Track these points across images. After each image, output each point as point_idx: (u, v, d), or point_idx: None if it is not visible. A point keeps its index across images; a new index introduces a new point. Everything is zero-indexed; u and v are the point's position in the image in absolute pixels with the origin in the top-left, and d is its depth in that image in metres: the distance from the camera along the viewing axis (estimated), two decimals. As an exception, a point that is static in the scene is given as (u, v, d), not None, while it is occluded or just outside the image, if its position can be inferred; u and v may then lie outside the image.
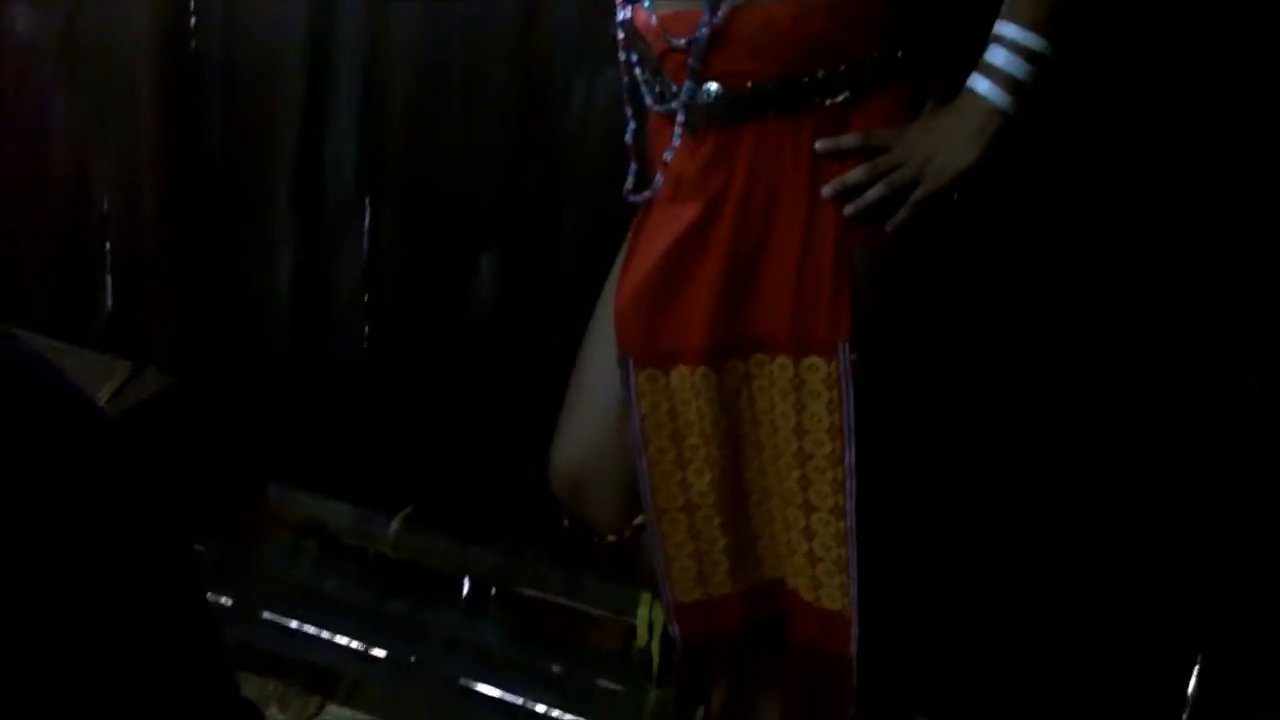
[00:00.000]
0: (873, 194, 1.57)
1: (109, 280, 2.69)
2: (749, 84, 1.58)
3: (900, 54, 1.59)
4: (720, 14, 1.56)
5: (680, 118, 1.63)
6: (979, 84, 1.53)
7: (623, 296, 1.69)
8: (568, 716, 2.30)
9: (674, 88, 1.63)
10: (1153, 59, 1.88)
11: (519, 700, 2.32)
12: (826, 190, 1.58)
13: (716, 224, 1.63)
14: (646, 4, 1.63)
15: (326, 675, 2.34)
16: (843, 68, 1.57)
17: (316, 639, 2.46)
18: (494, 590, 2.49)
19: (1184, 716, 2.08)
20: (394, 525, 2.49)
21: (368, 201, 2.45)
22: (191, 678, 1.08)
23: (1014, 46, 1.51)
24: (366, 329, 2.51)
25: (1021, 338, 2.02)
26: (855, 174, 1.57)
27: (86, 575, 0.95)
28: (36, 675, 0.91)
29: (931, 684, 2.18)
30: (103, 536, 0.97)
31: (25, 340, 1.01)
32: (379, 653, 2.43)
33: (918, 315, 1.72)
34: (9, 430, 0.91)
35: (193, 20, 2.52)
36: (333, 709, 2.27)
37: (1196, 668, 2.07)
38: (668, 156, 1.65)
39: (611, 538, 1.84)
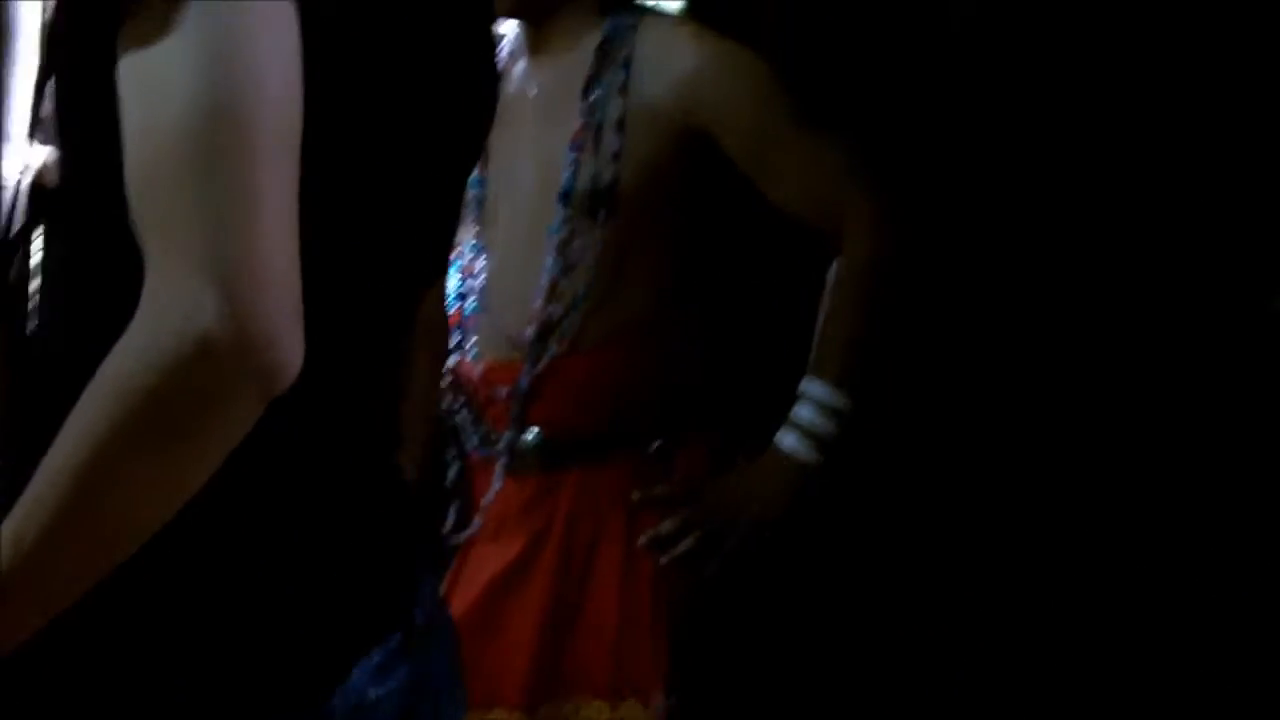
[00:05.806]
0: (684, 546, 1.61)
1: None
2: (568, 431, 1.63)
3: (713, 405, 1.66)
4: (541, 365, 1.62)
5: (502, 461, 1.67)
6: (787, 440, 1.58)
7: (440, 637, 1.68)
8: None
9: (496, 434, 1.67)
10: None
11: None
12: (641, 541, 1.61)
13: (537, 562, 1.65)
14: (471, 354, 1.68)
15: None
16: (657, 419, 1.63)
17: None
18: None
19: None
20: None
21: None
22: None
23: (820, 405, 1.58)
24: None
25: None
26: (667, 525, 1.61)
27: None
28: None
29: None
30: None
31: None
32: None
33: (736, 657, 1.74)
34: None
35: None
36: None
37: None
38: (487, 499, 1.68)
39: None
